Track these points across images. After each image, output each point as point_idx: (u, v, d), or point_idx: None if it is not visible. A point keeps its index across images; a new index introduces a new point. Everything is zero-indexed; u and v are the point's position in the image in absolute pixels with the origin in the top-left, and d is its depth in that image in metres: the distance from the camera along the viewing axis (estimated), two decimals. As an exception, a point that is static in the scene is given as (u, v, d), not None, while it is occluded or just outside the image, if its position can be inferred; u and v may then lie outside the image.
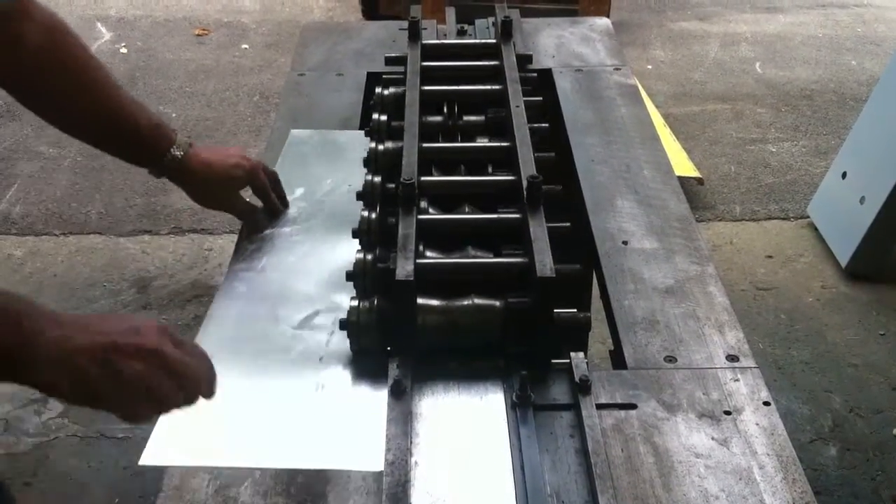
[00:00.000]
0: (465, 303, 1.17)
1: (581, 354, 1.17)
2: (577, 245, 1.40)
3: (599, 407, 1.12)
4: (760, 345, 2.94)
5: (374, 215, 1.32)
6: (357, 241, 1.32)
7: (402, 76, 1.73)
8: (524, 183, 1.29)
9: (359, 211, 1.34)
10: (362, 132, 1.71)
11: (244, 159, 1.48)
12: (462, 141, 1.58)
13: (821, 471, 2.50)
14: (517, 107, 1.53)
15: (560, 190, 1.40)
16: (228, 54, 4.94)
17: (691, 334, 1.25)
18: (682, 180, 3.25)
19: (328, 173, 1.63)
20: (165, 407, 0.98)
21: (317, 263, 1.41)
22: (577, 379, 1.13)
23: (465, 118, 1.61)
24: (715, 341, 1.24)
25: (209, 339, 1.24)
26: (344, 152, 1.69)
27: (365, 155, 1.50)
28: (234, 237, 1.53)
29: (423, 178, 1.38)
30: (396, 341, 1.17)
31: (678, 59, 4.97)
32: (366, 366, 1.20)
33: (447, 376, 1.17)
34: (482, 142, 1.57)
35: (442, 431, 1.10)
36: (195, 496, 1.01)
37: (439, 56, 1.79)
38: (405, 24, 1.90)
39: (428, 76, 1.68)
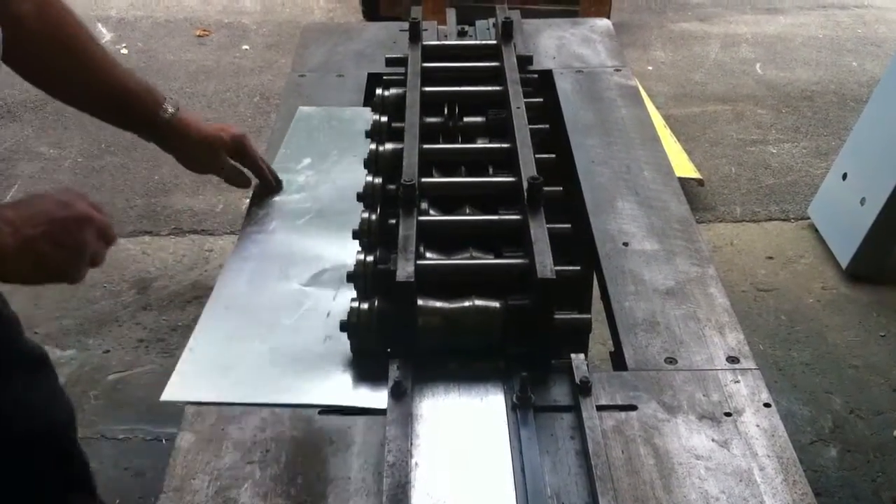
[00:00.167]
0: (466, 304, 1.17)
1: (581, 356, 1.17)
2: (578, 246, 1.40)
3: (600, 408, 1.12)
4: (761, 346, 2.94)
5: (374, 216, 1.32)
6: (362, 203, 1.38)
7: (402, 77, 1.73)
8: (525, 184, 1.29)
9: (363, 179, 1.40)
10: (367, 108, 1.78)
11: (230, 126, 1.58)
12: (463, 142, 1.58)
13: (821, 472, 2.50)
14: (518, 108, 1.53)
15: (561, 191, 1.40)
16: (229, 55, 4.95)
17: (692, 336, 1.25)
18: (683, 181, 3.25)
19: (334, 144, 1.72)
20: (100, 262, 1.20)
21: (324, 226, 1.50)
22: (577, 380, 1.13)
23: (466, 119, 1.61)
24: (715, 343, 1.24)
25: (223, 296, 1.35)
26: (349, 126, 1.77)
27: (369, 128, 1.58)
28: (235, 238, 1.54)
29: (423, 180, 1.38)
30: (397, 343, 1.17)
31: (679, 61, 4.97)
32: None
33: (447, 378, 1.18)
34: (483, 143, 1.57)
35: (442, 433, 1.10)
36: (195, 497, 1.01)
37: (440, 57, 1.79)
38: (406, 25, 1.91)
39: (428, 77, 1.68)
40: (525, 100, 1.57)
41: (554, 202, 1.34)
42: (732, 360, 1.21)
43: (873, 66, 4.89)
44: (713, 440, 1.09)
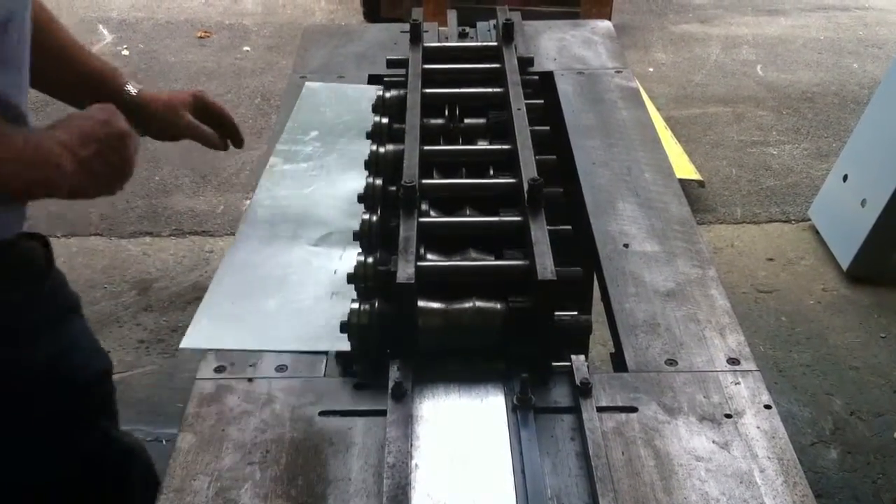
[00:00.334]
0: (466, 305, 1.17)
1: (582, 357, 1.17)
2: (578, 247, 1.40)
3: (600, 410, 1.12)
4: (761, 347, 2.94)
5: (374, 218, 1.32)
6: (367, 171, 1.45)
7: (403, 79, 1.73)
8: (525, 185, 1.29)
9: (368, 149, 1.47)
10: (373, 86, 1.87)
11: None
12: (463, 143, 1.58)
13: (822, 474, 2.50)
14: (518, 109, 1.53)
15: (561, 193, 1.40)
16: (230, 56, 4.95)
17: (692, 337, 1.25)
18: (684, 183, 3.25)
19: (340, 118, 1.79)
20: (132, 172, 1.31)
21: (331, 193, 1.58)
22: (577, 382, 1.13)
23: (467, 121, 1.61)
24: (716, 344, 1.24)
25: (237, 256, 1.43)
26: (355, 102, 1.83)
27: (374, 103, 1.64)
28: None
29: (424, 181, 1.38)
30: (397, 344, 1.17)
31: (679, 62, 4.98)
32: None
33: (448, 379, 1.18)
34: (483, 144, 1.57)
35: (442, 434, 1.10)
36: (196, 498, 1.01)
37: (441, 59, 1.79)
38: (407, 26, 1.90)
39: (429, 79, 1.68)
40: (526, 101, 1.57)
41: (555, 203, 1.34)
42: (733, 361, 1.21)
43: (874, 68, 4.89)
44: (714, 442, 1.08)
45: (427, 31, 1.97)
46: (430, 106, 1.61)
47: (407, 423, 1.08)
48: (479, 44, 2.00)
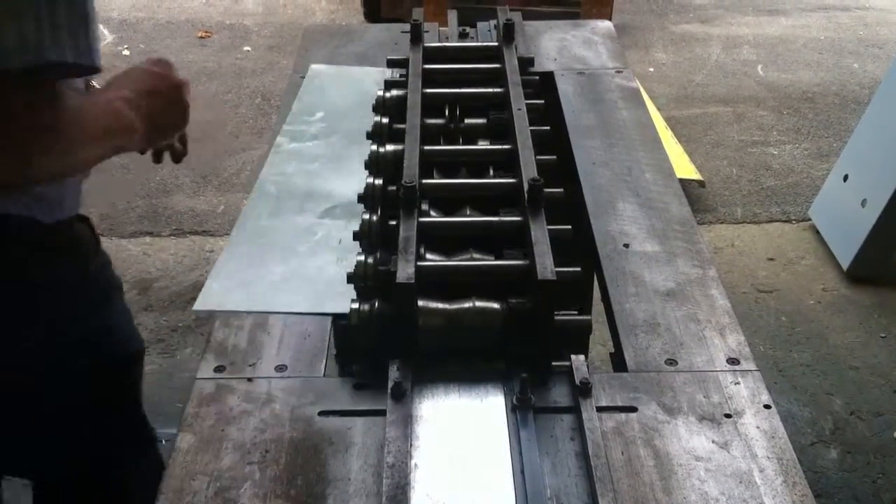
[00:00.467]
0: (466, 305, 1.17)
1: (581, 357, 1.17)
2: (578, 247, 1.40)
3: (600, 410, 1.12)
4: (761, 347, 2.94)
5: (375, 218, 1.32)
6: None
7: (403, 79, 1.73)
8: (525, 185, 1.29)
9: (372, 125, 1.52)
10: (377, 68, 1.93)
11: None
12: (463, 143, 1.58)
13: (821, 474, 2.50)
14: (519, 109, 1.53)
15: (561, 193, 1.40)
16: (230, 56, 4.95)
17: (692, 337, 1.25)
18: (684, 183, 3.25)
19: (345, 99, 1.85)
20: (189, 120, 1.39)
21: (336, 169, 1.65)
22: (577, 382, 1.13)
23: (467, 121, 1.61)
24: (716, 344, 1.24)
25: (246, 226, 1.50)
26: (359, 84, 1.90)
27: (378, 85, 1.69)
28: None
29: (424, 181, 1.38)
30: (397, 344, 1.17)
31: (680, 62, 4.98)
32: None
33: (447, 379, 1.18)
34: (483, 144, 1.57)
35: (442, 434, 1.10)
36: (195, 498, 1.01)
37: (441, 59, 1.79)
38: (407, 26, 1.91)
39: (430, 79, 1.68)
40: (526, 101, 1.57)
41: (555, 204, 1.34)
42: (733, 361, 1.21)
43: (874, 68, 4.89)
44: (713, 442, 1.09)
45: (427, 31, 1.97)
46: (431, 106, 1.61)
47: (406, 423, 1.08)
48: (479, 44, 2.01)
